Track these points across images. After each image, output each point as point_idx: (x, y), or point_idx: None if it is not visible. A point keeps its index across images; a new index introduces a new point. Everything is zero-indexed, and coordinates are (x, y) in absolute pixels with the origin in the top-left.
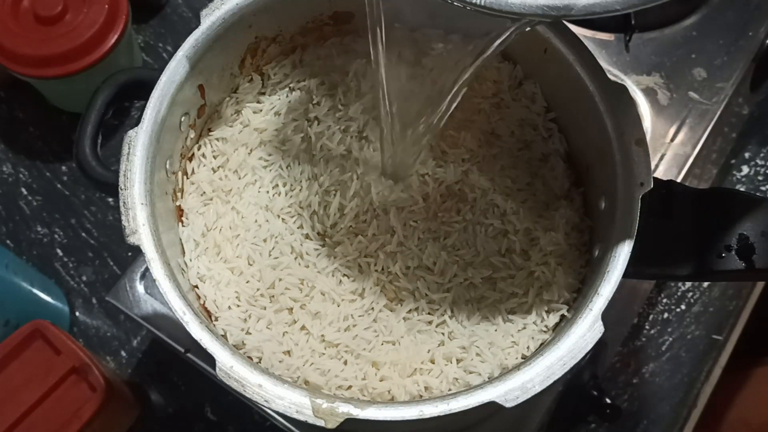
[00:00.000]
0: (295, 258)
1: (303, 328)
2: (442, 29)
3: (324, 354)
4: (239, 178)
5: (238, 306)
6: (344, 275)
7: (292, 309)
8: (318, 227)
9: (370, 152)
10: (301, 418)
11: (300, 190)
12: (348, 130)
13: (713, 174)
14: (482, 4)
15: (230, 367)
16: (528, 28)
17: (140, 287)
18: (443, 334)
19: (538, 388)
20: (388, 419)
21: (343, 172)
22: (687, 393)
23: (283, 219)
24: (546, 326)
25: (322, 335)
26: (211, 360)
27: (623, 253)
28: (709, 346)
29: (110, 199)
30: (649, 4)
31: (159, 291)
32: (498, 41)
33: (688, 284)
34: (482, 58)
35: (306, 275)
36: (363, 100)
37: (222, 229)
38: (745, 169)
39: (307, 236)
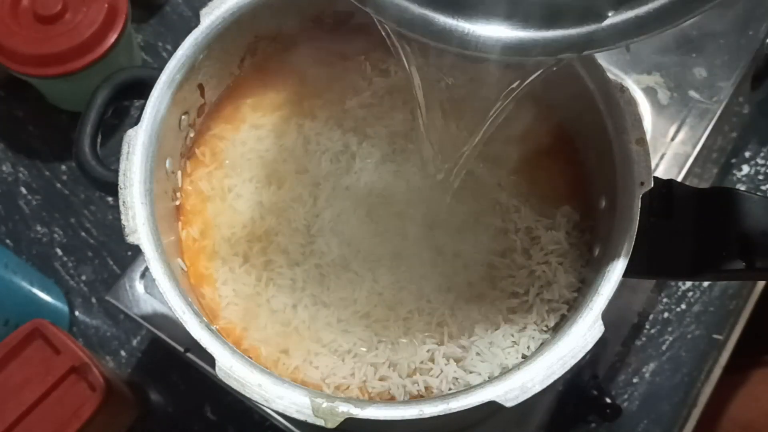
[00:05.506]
0: (288, 258)
1: (298, 329)
2: None
3: (323, 354)
4: (237, 176)
5: (236, 305)
6: (334, 277)
7: (286, 310)
8: (305, 222)
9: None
10: (301, 417)
11: (294, 184)
12: (345, 125)
13: (713, 173)
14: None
15: (230, 367)
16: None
17: (140, 287)
18: (443, 333)
19: (538, 388)
20: (388, 419)
21: (338, 166)
22: (687, 393)
23: (276, 215)
24: (546, 326)
25: (319, 337)
26: (210, 359)
27: (623, 252)
28: (709, 345)
29: (110, 199)
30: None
31: (158, 290)
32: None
33: (688, 284)
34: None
35: (298, 275)
36: (361, 96)
37: (220, 227)
38: (746, 169)
39: (296, 230)
